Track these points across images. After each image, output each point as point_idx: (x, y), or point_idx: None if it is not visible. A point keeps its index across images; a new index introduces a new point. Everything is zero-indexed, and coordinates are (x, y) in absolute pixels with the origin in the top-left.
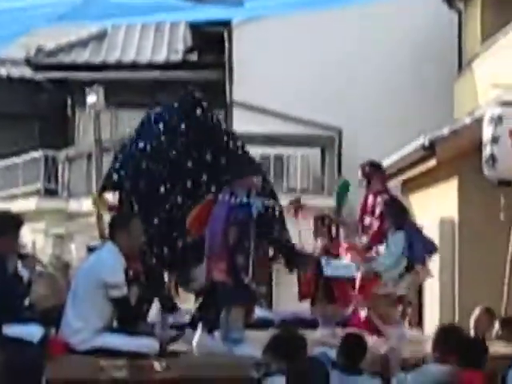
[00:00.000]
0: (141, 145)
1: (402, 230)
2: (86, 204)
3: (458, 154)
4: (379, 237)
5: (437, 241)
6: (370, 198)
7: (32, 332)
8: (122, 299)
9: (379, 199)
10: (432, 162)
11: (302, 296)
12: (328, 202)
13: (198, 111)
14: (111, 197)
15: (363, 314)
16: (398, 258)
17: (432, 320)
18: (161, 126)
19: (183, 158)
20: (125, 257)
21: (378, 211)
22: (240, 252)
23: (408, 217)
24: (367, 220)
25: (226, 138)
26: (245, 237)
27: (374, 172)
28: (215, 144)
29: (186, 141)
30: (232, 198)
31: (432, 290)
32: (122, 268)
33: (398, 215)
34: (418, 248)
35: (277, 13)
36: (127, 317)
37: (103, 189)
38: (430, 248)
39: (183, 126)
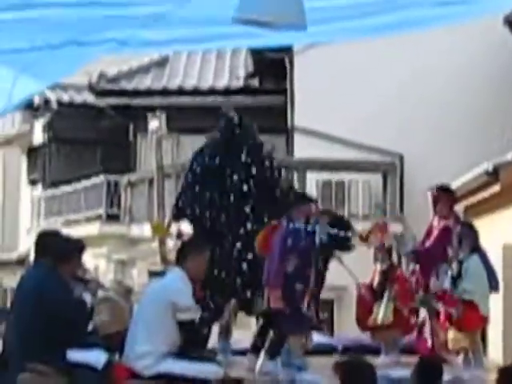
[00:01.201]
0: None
1: (477, 252)
2: (148, 229)
3: None
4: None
5: (500, 267)
6: (436, 222)
7: (96, 357)
8: (190, 323)
9: (447, 223)
10: (495, 188)
11: (360, 325)
12: (390, 228)
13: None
14: (180, 224)
15: (429, 341)
16: (481, 279)
17: (495, 349)
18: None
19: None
20: (192, 283)
21: (438, 233)
22: (299, 280)
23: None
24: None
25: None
26: (306, 265)
27: (441, 196)
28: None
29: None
30: (290, 224)
31: (496, 317)
32: (191, 292)
33: (473, 238)
34: (493, 271)
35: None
36: (193, 341)
37: (175, 218)
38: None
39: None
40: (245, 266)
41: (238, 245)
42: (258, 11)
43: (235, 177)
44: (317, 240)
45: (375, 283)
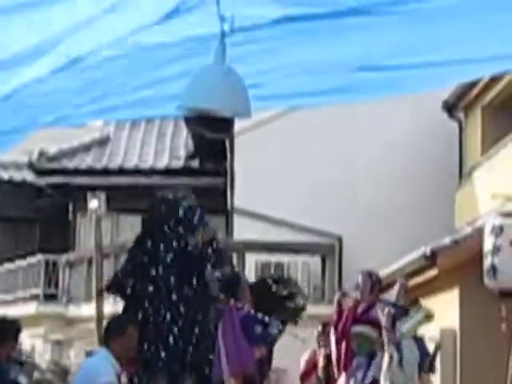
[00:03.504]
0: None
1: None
2: (86, 309)
3: (458, 264)
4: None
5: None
6: (362, 308)
7: None
8: None
9: (378, 309)
10: (433, 272)
11: None
12: (329, 311)
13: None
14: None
15: None
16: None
17: None
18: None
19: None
20: (119, 362)
21: (370, 319)
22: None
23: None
24: (357, 328)
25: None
26: (269, 358)
27: (378, 285)
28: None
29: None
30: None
31: None
32: (113, 371)
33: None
34: (425, 354)
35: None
36: None
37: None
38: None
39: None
40: (171, 339)
41: (168, 316)
42: (202, 100)
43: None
44: (272, 332)
45: (320, 367)
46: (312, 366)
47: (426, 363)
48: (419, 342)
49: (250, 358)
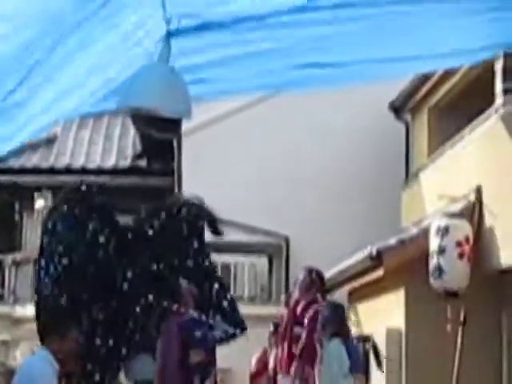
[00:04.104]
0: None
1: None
2: (31, 310)
3: (404, 265)
4: (310, 349)
5: (384, 351)
6: (301, 306)
7: None
8: None
9: (314, 308)
10: (379, 272)
11: None
12: (275, 311)
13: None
14: None
15: None
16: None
17: None
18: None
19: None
20: (58, 361)
21: (307, 320)
22: (201, 374)
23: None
24: (297, 329)
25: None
26: (212, 361)
27: (318, 282)
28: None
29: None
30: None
31: None
32: (52, 370)
33: (336, 322)
34: (356, 355)
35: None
36: None
37: None
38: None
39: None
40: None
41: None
42: (142, 97)
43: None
44: (217, 335)
45: (270, 366)
46: (262, 365)
47: (357, 364)
48: (349, 343)
49: (173, 361)
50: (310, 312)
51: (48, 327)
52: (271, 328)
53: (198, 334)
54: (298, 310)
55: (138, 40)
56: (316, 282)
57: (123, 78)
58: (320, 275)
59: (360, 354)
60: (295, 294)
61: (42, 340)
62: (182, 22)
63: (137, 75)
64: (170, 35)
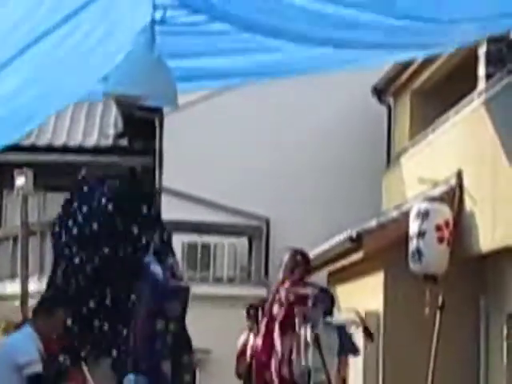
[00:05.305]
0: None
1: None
2: (11, 287)
3: (384, 247)
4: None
5: (361, 334)
6: (286, 286)
7: None
8: (37, 377)
9: (300, 290)
10: (359, 255)
11: None
12: (255, 292)
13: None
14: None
15: None
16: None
17: None
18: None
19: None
20: (42, 340)
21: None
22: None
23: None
24: (276, 309)
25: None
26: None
27: (303, 263)
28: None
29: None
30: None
31: (356, 378)
32: (35, 348)
33: (327, 305)
34: (344, 339)
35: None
36: None
37: None
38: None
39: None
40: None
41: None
42: (127, 85)
43: None
44: None
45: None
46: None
47: (345, 347)
48: (340, 328)
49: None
50: (296, 291)
51: (38, 304)
52: (245, 312)
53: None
54: (282, 291)
55: (124, 28)
56: (300, 263)
57: (110, 66)
58: (305, 256)
59: (350, 337)
60: (279, 275)
61: (32, 315)
62: (167, 12)
63: (123, 63)
64: (154, 23)
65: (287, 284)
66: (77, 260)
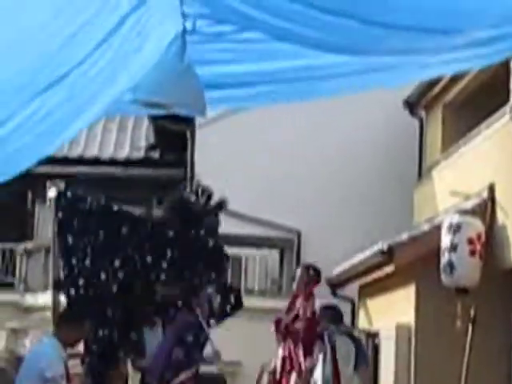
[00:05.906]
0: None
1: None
2: (42, 298)
3: (416, 261)
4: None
5: (393, 347)
6: (299, 300)
7: None
8: None
9: (311, 303)
10: (390, 268)
11: None
12: (286, 304)
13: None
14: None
15: None
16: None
17: None
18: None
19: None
20: (65, 347)
21: (309, 314)
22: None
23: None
24: (298, 324)
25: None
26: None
27: (315, 277)
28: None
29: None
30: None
31: None
32: (61, 361)
33: (336, 320)
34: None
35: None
36: None
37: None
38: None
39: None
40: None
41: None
42: (156, 93)
43: None
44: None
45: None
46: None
47: (362, 361)
48: (356, 341)
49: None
50: (309, 306)
51: (66, 316)
52: (272, 328)
53: (189, 338)
54: (297, 304)
55: (155, 39)
56: (313, 278)
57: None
58: (317, 271)
59: (365, 349)
60: (293, 290)
61: (57, 323)
62: (197, 22)
63: (153, 72)
64: (185, 32)
65: (301, 298)
66: (103, 276)
